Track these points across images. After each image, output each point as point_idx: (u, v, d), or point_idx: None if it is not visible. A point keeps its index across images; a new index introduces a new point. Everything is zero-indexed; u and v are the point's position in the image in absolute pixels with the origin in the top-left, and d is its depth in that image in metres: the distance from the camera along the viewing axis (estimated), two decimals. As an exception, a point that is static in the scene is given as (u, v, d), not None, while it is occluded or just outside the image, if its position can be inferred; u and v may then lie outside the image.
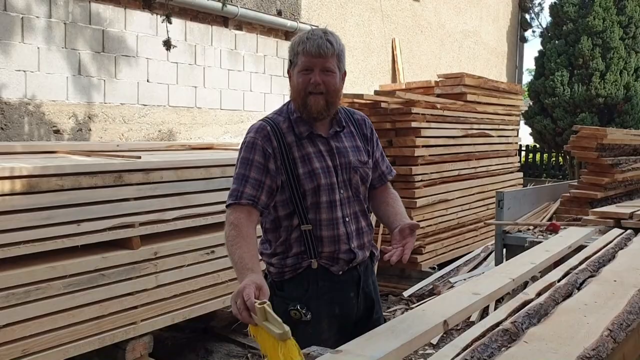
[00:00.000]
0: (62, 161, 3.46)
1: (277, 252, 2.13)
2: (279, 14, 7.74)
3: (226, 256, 3.97)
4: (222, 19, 7.02)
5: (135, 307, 3.47)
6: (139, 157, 3.64)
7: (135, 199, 3.47)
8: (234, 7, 6.83)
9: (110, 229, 3.35)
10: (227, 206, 2.05)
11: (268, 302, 1.60)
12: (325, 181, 2.09)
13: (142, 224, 3.51)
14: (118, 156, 3.76)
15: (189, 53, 6.68)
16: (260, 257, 2.07)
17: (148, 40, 6.22)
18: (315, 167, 2.09)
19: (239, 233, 1.96)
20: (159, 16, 6.10)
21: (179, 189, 3.71)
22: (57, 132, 5.46)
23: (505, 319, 1.92)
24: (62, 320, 3.12)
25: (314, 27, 2.09)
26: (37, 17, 5.28)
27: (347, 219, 2.13)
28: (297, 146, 2.09)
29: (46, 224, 3.06)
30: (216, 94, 7.03)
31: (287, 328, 1.53)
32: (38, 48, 5.29)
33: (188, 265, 3.75)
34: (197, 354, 4.23)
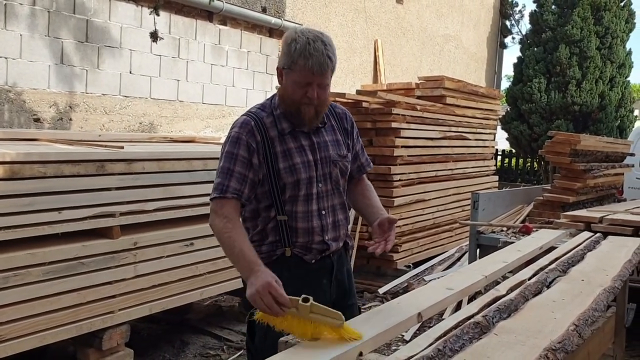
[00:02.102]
0: (45, 149, 3.47)
1: (253, 240, 2.17)
2: (264, 10, 7.77)
3: (205, 249, 4.03)
4: (206, 14, 7.03)
5: (113, 297, 3.49)
6: (122, 147, 3.66)
7: (117, 188, 3.49)
8: (219, 2, 6.85)
9: (91, 217, 3.36)
10: (212, 199, 2.10)
11: (312, 298, 1.72)
12: (305, 175, 2.15)
13: (122, 213, 3.53)
14: (100, 146, 3.77)
15: (172, 46, 6.68)
16: None
17: (132, 32, 6.21)
18: (296, 162, 2.14)
19: (234, 226, 2.03)
20: (144, 8, 6.10)
21: (160, 180, 3.73)
22: (37, 120, 5.43)
23: (477, 312, 2.00)
24: (39, 307, 3.13)
25: (312, 34, 2.09)
26: (20, 4, 5.24)
27: (323, 212, 2.21)
28: (279, 141, 2.14)
29: (27, 210, 3.07)
30: (198, 88, 7.04)
31: (341, 315, 1.68)
32: (21, 35, 5.26)
33: (167, 256, 3.78)
34: (172, 345, 4.26)
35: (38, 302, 3.12)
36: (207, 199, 3.95)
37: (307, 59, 2.02)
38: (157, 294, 3.76)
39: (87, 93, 5.86)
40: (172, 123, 6.73)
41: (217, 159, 4.13)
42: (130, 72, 6.27)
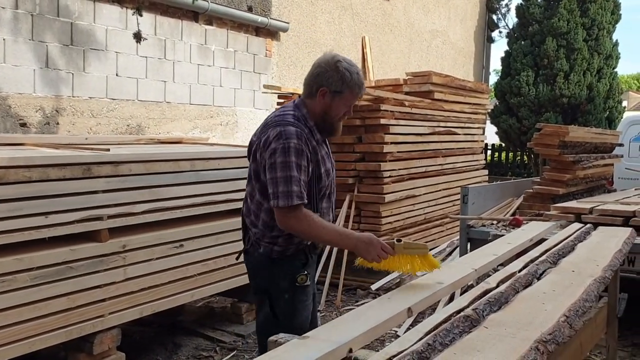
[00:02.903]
0: (31, 153, 3.43)
1: (284, 234, 2.46)
2: (250, 9, 7.75)
3: (195, 250, 4.01)
4: (192, 14, 7.00)
5: (103, 300, 3.46)
6: (108, 150, 3.62)
7: (104, 191, 3.45)
8: (204, 2, 6.82)
9: (78, 221, 3.33)
10: (292, 206, 2.33)
11: (401, 241, 2.29)
12: (331, 177, 2.58)
13: (110, 216, 3.49)
14: (87, 149, 3.74)
15: (158, 47, 6.64)
16: (258, 240, 2.50)
17: (117, 34, 6.17)
18: (328, 167, 2.55)
19: (318, 220, 2.39)
20: (128, 9, 6.06)
21: (148, 182, 3.70)
22: (23, 125, 5.39)
23: (467, 306, 1.99)
24: (28, 313, 3.09)
25: (356, 67, 2.54)
26: (2, 7, 5.19)
27: (332, 209, 2.64)
28: (318, 149, 2.48)
29: (13, 215, 3.03)
30: (186, 89, 7.01)
31: (426, 245, 2.31)
32: (4, 39, 5.22)
33: (157, 258, 3.74)
34: (165, 348, 4.23)
35: (26, 308, 3.08)
36: (195, 200, 3.97)
37: (359, 88, 2.50)
38: (148, 296, 3.72)
39: (73, 97, 5.82)
40: (159, 125, 6.70)
41: (206, 159, 4.11)
42: (116, 75, 6.23)
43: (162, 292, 3.81)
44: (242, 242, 2.66)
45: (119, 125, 6.25)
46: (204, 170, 4.06)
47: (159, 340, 4.33)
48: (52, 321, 3.19)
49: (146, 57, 6.51)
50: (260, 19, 7.73)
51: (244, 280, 4.45)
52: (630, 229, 3.71)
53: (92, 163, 3.38)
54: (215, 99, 7.41)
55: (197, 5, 6.70)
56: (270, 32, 8.14)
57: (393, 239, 2.30)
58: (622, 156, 6.96)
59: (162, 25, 6.67)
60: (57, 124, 5.66)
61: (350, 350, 1.64)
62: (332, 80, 2.44)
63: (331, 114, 2.49)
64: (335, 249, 5.57)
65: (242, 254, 2.67)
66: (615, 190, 6.47)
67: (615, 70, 12.83)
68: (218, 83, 7.42)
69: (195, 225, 4.03)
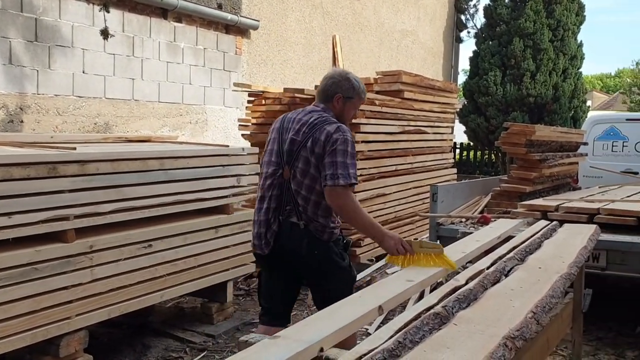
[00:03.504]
0: (-7, 152, 3.34)
1: (333, 221, 2.94)
2: (220, 7, 7.69)
3: (164, 250, 3.97)
4: (161, 11, 6.92)
5: (70, 302, 3.39)
6: (74, 149, 3.55)
7: (70, 191, 3.38)
8: (173, -1, 6.75)
9: (43, 221, 3.26)
10: (351, 184, 2.80)
11: (418, 238, 2.82)
12: None
13: (77, 216, 3.42)
14: (52, 147, 3.66)
15: (126, 44, 6.55)
16: (324, 229, 2.90)
17: (84, 31, 6.06)
18: None
19: (362, 208, 2.91)
20: (95, 5, 5.96)
21: (115, 182, 3.64)
22: (-15, 123, 5.26)
23: (437, 303, 2.01)
24: (-8, 316, 3.02)
25: (360, 80, 3.13)
26: (-36, 2, 5.06)
27: None
28: None
29: (-25, 216, 2.96)
30: (154, 87, 6.92)
31: (440, 245, 2.70)
32: (-35, 35, 5.08)
33: (125, 259, 3.69)
34: (134, 349, 4.17)
35: (-10, 311, 3.01)
36: (164, 200, 3.94)
37: (364, 94, 3.15)
38: (116, 297, 3.67)
39: (38, 94, 5.70)
40: (128, 123, 6.60)
41: (174, 158, 4.08)
42: (83, 72, 6.12)
43: (131, 293, 3.76)
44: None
45: (86, 124, 6.14)
46: (172, 169, 4.02)
47: (127, 342, 4.27)
48: (17, 324, 3.12)
49: (114, 54, 6.41)
50: (230, 16, 7.68)
51: (214, 280, 4.43)
52: (595, 225, 3.79)
53: (58, 162, 3.31)
54: (185, 97, 7.34)
55: (166, 2, 6.62)
56: (240, 30, 8.09)
57: (412, 240, 2.75)
58: (586, 155, 7.10)
59: (131, 22, 6.58)
60: (22, 122, 5.54)
61: (322, 350, 1.64)
62: (345, 88, 3.01)
63: (344, 115, 3.04)
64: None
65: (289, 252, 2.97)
66: (580, 188, 6.61)
67: (580, 70, 13.09)
68: (187, 81, 7.35)
69: (164, 225, 3.98)
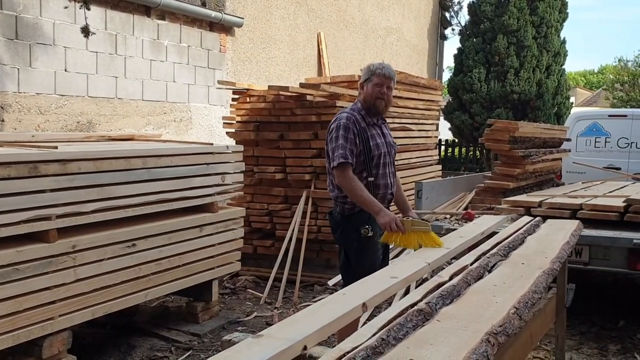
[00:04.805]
0: (-28, 151, 3.30)
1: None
2: (203, 4, 7.63)
3: (148, 249, 3.95)
4: (144, 8, 6.86)
5: (52, 302, 3.36)
6: (56, 148, 3.51)
7: (52, 190, 3.35)
8: (156, -4, 6.68)
9: (25, 221, 3.22)
10: (338, 164, 3.23)
11: (409, 217, 3.18)
12: (383, 150, 3.41)
13: (59, 216, 3.39)
14: (33, 146, 3.62)
15: (109, 42, 6.49)
16: (336, 200, 3.41)
17: (66, 28, 6.00)
18: (378, 142, 3.41)
19: (358, 181, 3.25)
20: (76, 3, 5.89)
21: (98, 181, 3.60)
22: (-35, 122, 5.18)
23: (420, 300, 2.01)
24: (-28, 317, 2.98)
25: (381, 64, 3.49)
26: (-58, 0, 4.98)
27: (389, 175, 3.47)
28: (368, 129, 3.37)
29: (-45, 216, 2.92)
30: (138, 85, 6.87)
31: (427, 223, 3.10)
32: (-56, 33, 5.00)
33: (108, 258, 3.66)
34: (119, 349, 4.14)
35: (-30, 312, 2.97)
36: (148, 198, 3.92)
37: (381, 69, 3.41)
38: (100, 297, 3.64)
39: (19, 92, 5.63)
40: (111, 121, 6.55)
41: (158, 156, 4.06)
42: (65, 70, 6.06)
43: (115, 293, 3.73)
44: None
45: (68, 122, 6.08)
46: (156, 167, 3.99)
47: (112, 342, 4.24)
48: (-2, 325, 3.08)
49: (96, 52, 6.34)
50: (214, 13, 7.63)
51: (199, 279, 4.41)
52: (578, 221, 3.83)
53: (39, 161, 3.28)
54: (169, 95, 7.29)
55: (149, -1, 6.56)
56: (224, 28, 8.04)
57: (408, 217, 3.15)
58: (570, 151, 7.17)
59: (113, 19, 6.52)
60: (2, 121, 5.47)
61: (305, 348, 1.63)
62: (363, 74, 3.46)
63: (368, 97, 3.41)
64: (291, 247, 5.58)
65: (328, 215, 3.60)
66: (563, 184, 6.67)
67: (563, 67, 13.20)
68: (171, 79, 7.30)
69: (148, 224, 3.96)
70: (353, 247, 3.35)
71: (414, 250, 2.93)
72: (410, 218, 3.14)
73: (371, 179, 3.35)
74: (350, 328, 2.16)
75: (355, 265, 3.31)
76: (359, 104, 3.45)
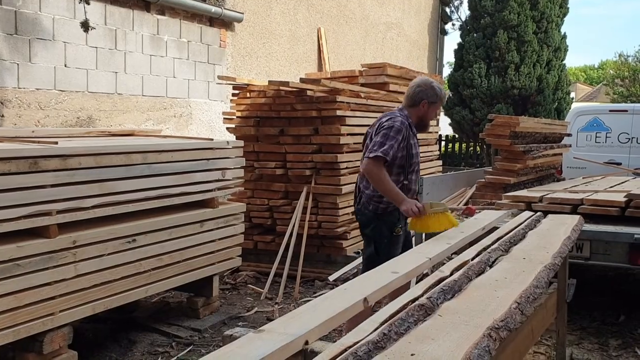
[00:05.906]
0: (-28, 146, 3.29)
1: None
2: (203, -1, 7.62)
3: (149, 245, 3.95)
4: (143, 3, 6.84)
5: (53, 298, 3.35)
6: (56, 143, 3.51)
7: (52, 186, 3.34)
8: (156, -9, 6.67)
9: (25, 217, 3.21)
10: (376, 156, 3.46)
11: (428, 202, 3.54)
12: (417, 159, 3.75)
13: (59, 211, 3.39)
14: (33, 142, 3.61)
15: (109, 37, 6.48)
16: (371, 199, 3.64)
17: (65, 24, 5.98)
18: (417, 151, 3.75)
19: (387, 175, 3.50)
20: (76, -2, 5.88)
21: (98, 176, 3.60)
22: (-35, 117, 5.18)
23: (422, 294, 2.01)
24: (-27, 313, 2.98)
25: (441, 87, 3.79)
26: (-59, -5, 4.97)
27: (417, 181, 3.84)
28: (412, 138, 3.65)
29: (-45, 212, 2.91)
30: (138, 80, 6.86)
31: (445, 204, 3.61)
32: (-57, 28, 4.99)
33: (109, 254, 3.66)
34: (120, 344, 4.14)
35: (-29, 308, 2.97)
36: (148, 194, 3.92)
37: (445, 97, 3.83)
38: (100, 293, 3.64)
39: (19, 88, 5.63)
40: (111, 117, 6.54)
41: (158, 152, 4.06)
42: (65, 65, 6.05)
43: (115, 288, 3.73)
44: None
45: (68, 118, 6.07)
46: (156, 163, 3.98)
47: (113, 337, 4.24)
48: (-1, 321, 3.08)
49: (96, 47, 6.33)
50: (214, 9, 7.61)
51: (200, 274, 4.41)
52: (579, 216, 3.82)
53: (39, 157, 3.27)
54: (169, 91, 7.28)
55: (149, -6, 6.55)
56: (224, 23, 8.03)
57: (428, 202, 3.52)
58: (570, 146, 7.16)
59: (113, 14, 6.50)
60: (2, 116, 5.46)
61: (307, 343, 1.63)
62: (430, 94, 3.67)
63: (427, 117, 3.75)
64: (292, 243, 5.57)
65: (355, 211, 3.88)
66: (564, 179, 6.66)
67: (563, 62, 13.17)
68: (171, 74, 7.29)
69: (149, 220, 3.95)
70: (384, 243, 3.65)
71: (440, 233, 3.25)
72: (429, 202, 3.54)
73: (406, 182, 3.65)
74: (362, 318, 2.16)
75: (382, 257, 3.47)
76: (406, 112, 3.68)
